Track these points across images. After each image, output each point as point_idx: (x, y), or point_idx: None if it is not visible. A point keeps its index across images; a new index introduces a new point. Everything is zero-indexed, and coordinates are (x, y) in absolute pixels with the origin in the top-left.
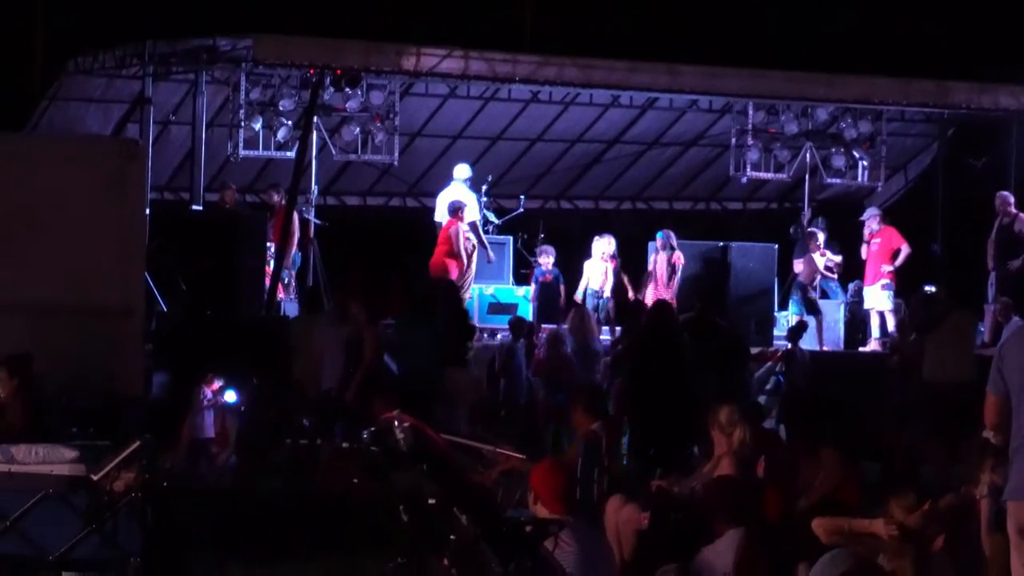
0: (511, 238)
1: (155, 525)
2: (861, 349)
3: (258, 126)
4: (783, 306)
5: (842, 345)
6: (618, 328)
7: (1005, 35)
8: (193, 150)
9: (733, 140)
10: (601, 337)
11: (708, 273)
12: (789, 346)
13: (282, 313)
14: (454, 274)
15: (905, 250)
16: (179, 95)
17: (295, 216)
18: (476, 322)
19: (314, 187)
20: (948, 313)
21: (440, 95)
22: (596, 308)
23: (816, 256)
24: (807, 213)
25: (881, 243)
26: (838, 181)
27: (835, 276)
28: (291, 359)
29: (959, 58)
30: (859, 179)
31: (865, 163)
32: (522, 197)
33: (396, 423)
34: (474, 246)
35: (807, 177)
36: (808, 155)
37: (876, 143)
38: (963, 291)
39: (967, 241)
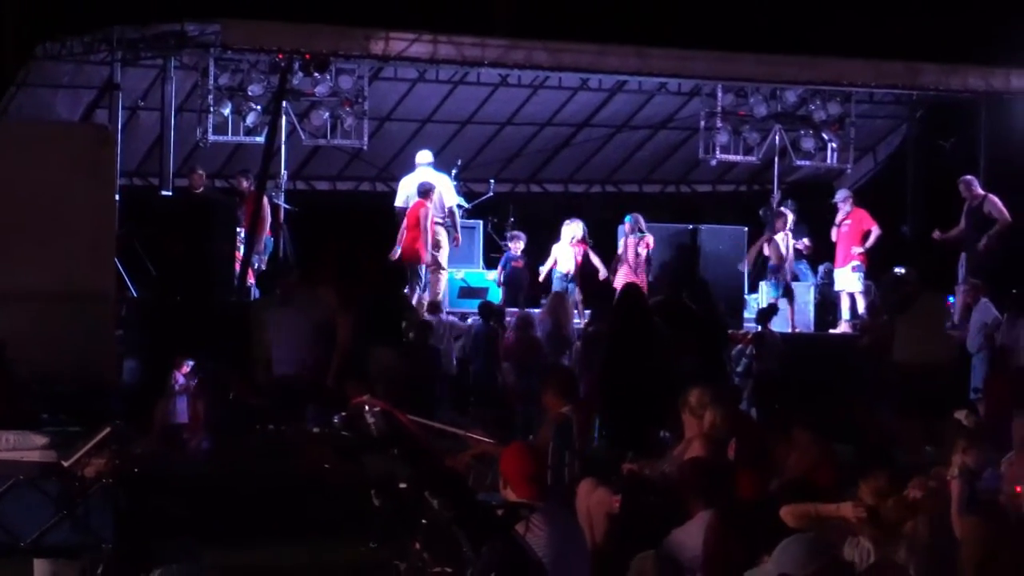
0: (481, 222)
1: (127, 511)
2: (831, 331)
3: (227, 111)
4: (753, 289)
5: (812, 327)
6: (587, 312)
7: (974, 17)
8: (162, 135)
9: (702, 123)
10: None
11: (678, 256)
12: (759, 328)
13: (252, 298)
14: (424, 256)
15: (875, 232)
16: (148, 81)
17: (265, 201)
18: (447, 306)
19: (283, 172)
20: (918, 294)
21: (409, 79)
22: (567, 291)
23: (779, 237)
24: (776, 195)
25: (851, 225)
26: (807, 163)
27: (803, 258)
28: (249, 343)
29: (928, 40)
30: (828, 161)
31: (834, 145)
32: (492, 181)
33: (367, 408)
34: (446, 228)
35: (776, 159)
36: (777, 137)
37: (845, 125)
38: (933, 272)
39: (937, 222)
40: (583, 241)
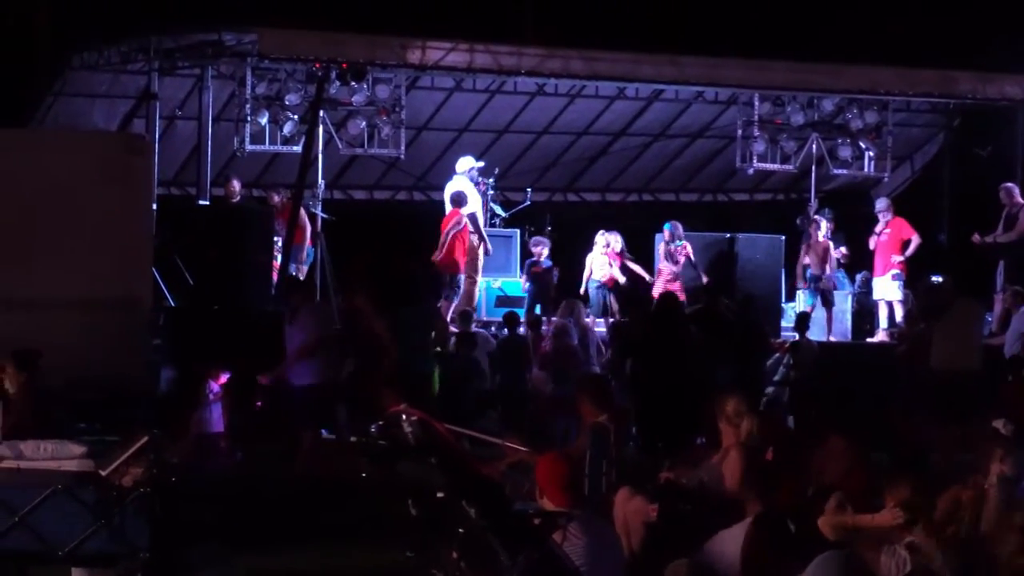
0: (518, 231)
1: (163, 519)
2: (869, 340)
3: (264, 120)
4: (790, 297)
5: (850, 336)
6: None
7: (1010, 24)
8: (199, 145)
9: (739, 131)
10: (598, 329)
11: (716, 265)
12: (796, 336)
13: None
14: (461, 265)
15: (915, 241)
16: (185, 90)
17: (302, 210)
18: (483, 315)
19: (320, 181)
20: (954, 302)
21: (446, 88)
22: (603, 301)
23: (816, 244)
24: (813, 204)
25: (891, 234)
26: (844, 172)
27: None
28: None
29: (965, 48)
30: (865, 170)
31: (871, 154)
32: (528, 190)
33: (404, 416)
34: (479, 239)
35: (813, 168)
36: (814, 146)
37: (882, 133)
38: (969, 280)
39: (973, 231)
40: (620, 254)
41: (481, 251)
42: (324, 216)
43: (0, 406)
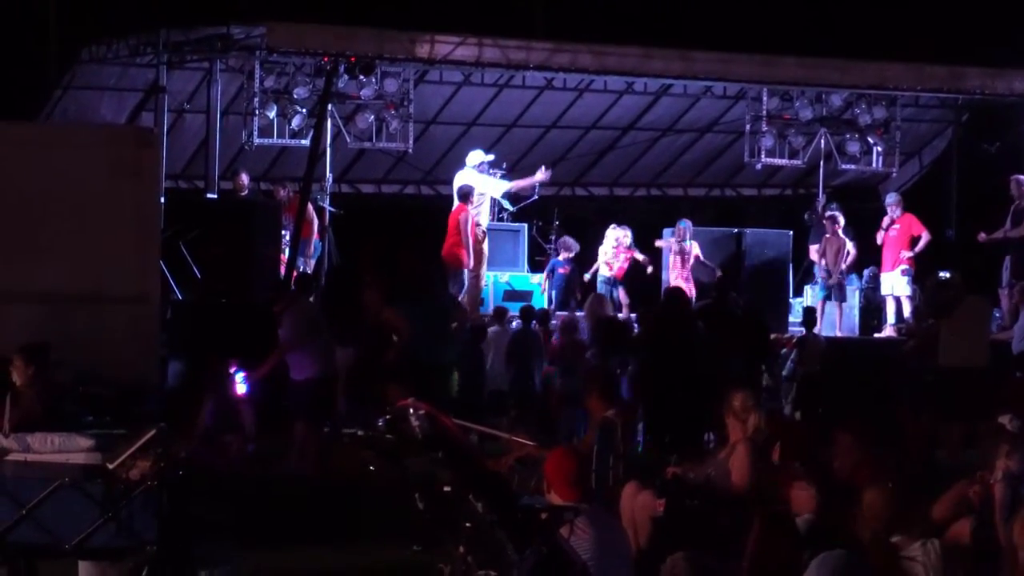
0: (525, 225)
1: (171, 513)
2: (876, 335)
3: (272, 114)
4: (797, 292)
5: (857, 331)
6: (632, 316)
7: (1019, 19)
8: (208, 138)
9: (747, 126)
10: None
11: (723, 260)
12: (804, 332)
13: None
14: (465, 260)
15: (925, 237)
16: (193, 83)
17: (309, 204)
18: (490, 309)
19: (329, 175)
20: (963, 298)
21: (454, 82)
22: (610, 295)
23: (832, 239)
24: (822, 199)
25: (901, 229)
26: (852, 167)
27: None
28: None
29: (973, 43)
30: (874, 165)
31: (879, 149)
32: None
33: (411, 410)
34: (484, 232)
35: (821, 163)
36: (822, 141)
37: (890, 129)
38: (977, 276)
39: (981, 226)
40: (630, 248)
41: (486, 244)
42: (332, 210)
43: (8, 399)
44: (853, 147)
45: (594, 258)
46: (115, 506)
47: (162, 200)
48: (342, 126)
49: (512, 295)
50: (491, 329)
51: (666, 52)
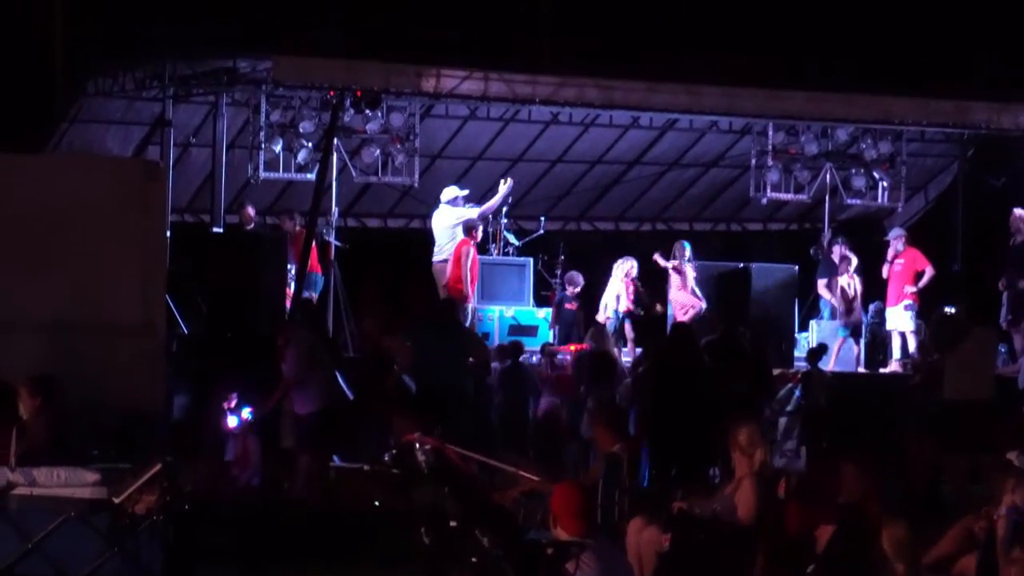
0: (531, 260)
1: (176, 546)
2: (882, 370)
3: (278, 148)
4: (803, 327)
5: (863, 366)
6: (638, 349)
7: None
8: (213, 172)
9: (753, 161)
10: (620, 358)
11: (729, 294)
12: (808, 367)
13: None
14: (467, 294)
15: (929, 272)
16: (199, 117)
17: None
18: (495, 343)
19: (334, 209)
20: (969, 332)
21: (460, 116)
22: (619, 328)
23: (843, 279)
24: (827, 234)
25: (905, 264)
26: (858, 202)
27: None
28: None
29: (979, 77)
30: (879, 199)
31: (885, 183)
32: (542, 218)
33: (418, 444)
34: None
35: (827, 198)
36: (828, 176)
37: (896, 163)
38: (983, 310)
39: (987, 261)
40: (634, 279)
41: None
42: (337, 244)
43: (14, 431)
44: (859, 182)
45: (601, 292)
46: (121, 540)
47: (168, 233)
48: (348, 160)
49: (517, 330)
50: (495, 365)
51: (672, 86)
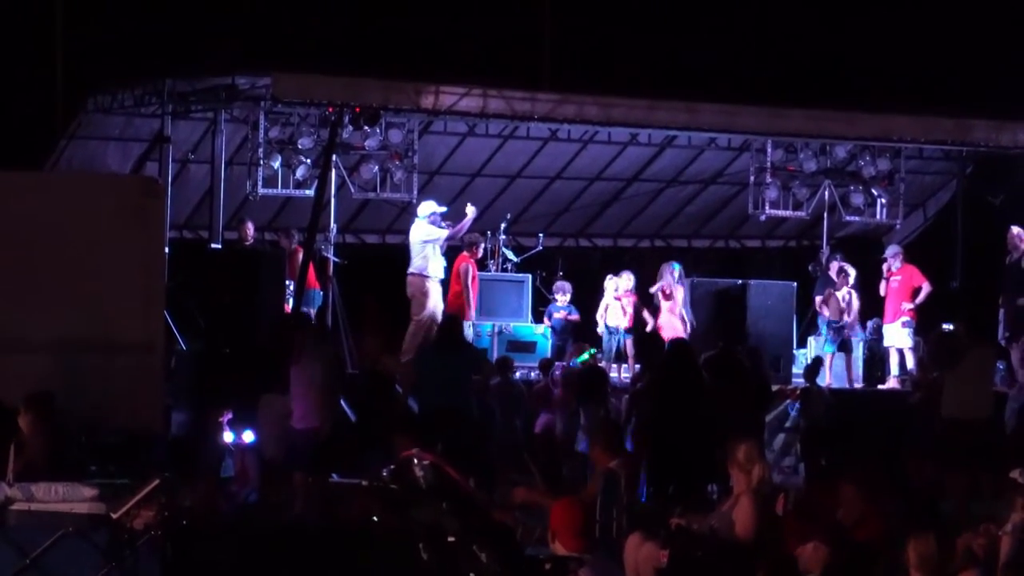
0: (529, 276)
1: (174, 562)
2: (880, 387)
3: (277, 164)
4: (802, 344)
5: (862, 382)
6: (637, 366)
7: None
8: (212, 188)
9: (751, 178)
10: (620, 375)
11: (727, 311)
12: (806, 384)
13: None
14: (467, 311)
15: (926, 288)
16: (198, 133)
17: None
18: (492, 359)
19: (333, 225)
20: (967, 350)
21: (459, 133)
22: (617, 344)
23: (841, 292)
24: (826, 251)
25: (902, 281)
26: (857, 219)
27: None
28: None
29: (978, 95)
30: (878, 216)
31: (884, 200)
32: (541, 235)
33: (416, 460)
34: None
35: (826, 215)
36: (827, 193)
37: (895, 180)
38: (982, 327)
39: (986, 278)
40: (632, 293)
41: (437, 294)
42: (336, 260)
43: (12, 448)
44: (857, 199)
45: (595, 307)
46: (119, 556)
47: (167, 250)
48: (346, 176)
49: (516, 346)
50: (492, 381)
51: (671, 104)
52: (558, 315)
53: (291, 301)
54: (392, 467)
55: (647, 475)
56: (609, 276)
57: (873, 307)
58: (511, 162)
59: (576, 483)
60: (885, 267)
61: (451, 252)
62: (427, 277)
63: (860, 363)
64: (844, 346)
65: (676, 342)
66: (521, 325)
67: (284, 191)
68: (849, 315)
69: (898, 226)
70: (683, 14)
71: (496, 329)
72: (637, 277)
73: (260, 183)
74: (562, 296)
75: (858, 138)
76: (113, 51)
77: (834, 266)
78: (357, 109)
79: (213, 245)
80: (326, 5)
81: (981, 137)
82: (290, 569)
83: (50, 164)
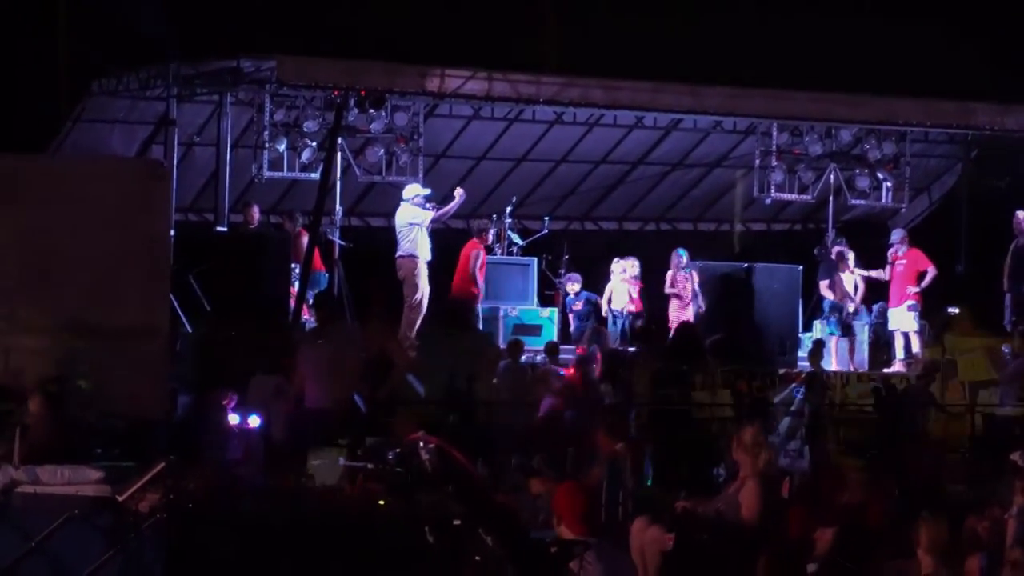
0: (535, 259)
1: (179, 545)
2: (885, 370)
3: (282, 147)
4: (807, 327)
5: (867, 366)
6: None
7: None
8: (217, 171)
9: (757, 161)
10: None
11: (733, 294)
12: (811, 367)
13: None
14: (475, 296)
15: (931, 272)
16: (203, 116)
17: (305, 237)
18: (501, 343)
19: (338, 208)
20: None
21: (464, 116)
22: (623, 328)
23: (846, 276)
24: (831, 234)
25: (907, 265)
26: (862, 202)
27: (856, 301)
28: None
29: (983, 79)
30: (883, 200)
31: (889, 184)
32: (546, 218)
33: (421, 444)
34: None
35: (831, 198)
36: (832, 176)
37: (900, 164)
38: (986, 311)
39: (990, 262)
40: (637, 279)
41: (425, 277)
42: (341, 243)
43: (18, 431)
44: (863, 182)
45: (601, 291)
46: (124, 539)
47: (172, 233)
48: (352, 159)
49: (522, 329)
50: (501, 364)
51: (676, 87)
52: (577, 306)
53: (296, 284)
54: (398, 451)
55: (652, 459)
56: (616, 259)
57: (879, 291)
58: (516, 145)
59: (581, 467)
60: (892, 251)
61: (443, 236)
62: (417, 258)
63: (865, 347)
64: (847, 330)
65: (682, 326)
66: (527, 309)
67: (290, 174)
68: (855, 299)
69: (903, 210)
70: None
71: (502, 313)
72: (642, 261)
73: (266, 166)
74: (572, 285)
75: (863, 121)
76: (118, 34)
77: (835, 250)
78: (362, 92)
79: (218, 228)
80: None
81: (986, 121)
82: (295, 552)
83: (55, 147)
